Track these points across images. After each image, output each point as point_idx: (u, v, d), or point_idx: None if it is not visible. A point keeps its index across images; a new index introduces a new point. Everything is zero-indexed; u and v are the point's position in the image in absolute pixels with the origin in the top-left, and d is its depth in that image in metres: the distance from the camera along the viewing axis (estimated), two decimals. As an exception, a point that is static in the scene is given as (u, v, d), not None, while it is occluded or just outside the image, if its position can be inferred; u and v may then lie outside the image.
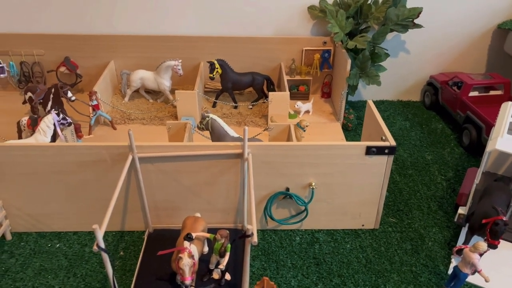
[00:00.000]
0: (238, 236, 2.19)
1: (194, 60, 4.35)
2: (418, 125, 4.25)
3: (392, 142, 2.70)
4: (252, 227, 2.04)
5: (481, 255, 2.51)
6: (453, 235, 2.99)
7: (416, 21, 4.05)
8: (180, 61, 4.04)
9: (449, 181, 3.49)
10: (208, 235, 2.44)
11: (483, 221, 2.47)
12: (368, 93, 4.69)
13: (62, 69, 4.22)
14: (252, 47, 4.30)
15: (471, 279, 2.59)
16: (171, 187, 2.79)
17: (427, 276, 2.69)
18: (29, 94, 3.73)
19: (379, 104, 4.62)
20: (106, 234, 2.94)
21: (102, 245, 1.97)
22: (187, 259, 2.16)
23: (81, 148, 2.62)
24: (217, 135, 3.15)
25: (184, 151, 2.64)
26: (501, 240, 2.83)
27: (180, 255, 2.18)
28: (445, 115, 4.37)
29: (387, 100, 4.72)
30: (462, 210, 2.87)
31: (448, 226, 3.06)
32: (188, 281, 2.16)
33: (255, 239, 2.00)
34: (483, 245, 2.33)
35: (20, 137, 3.46)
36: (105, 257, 2.02)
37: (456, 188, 3.40)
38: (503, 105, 3.09)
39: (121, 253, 2.80)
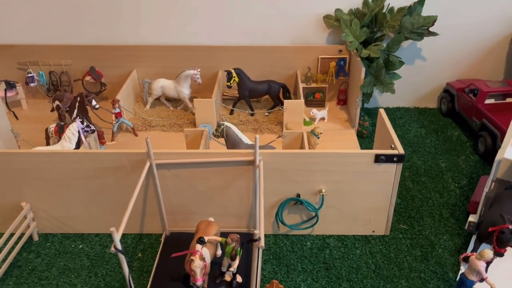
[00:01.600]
0: (246, 240, 2.30)
1: (213, 69, 4.50)
2: (433, 132, 4.26)
3: (400, 150, 2.76)
4: (260, 232, 2.14)
5: (488, 263, 2.54)
6: (463, 243, 3.01)
7: (431, 29, 4.08)
8: (198, 70, 4.19)
9: (462, 189, 3.51)
10: (220, 238, 2.55)
11: (490, 229, 2.50)
12: (384, 100, 4.73)
13: (88, 78, 4.44)
14: (269, 56, 4.42)
15: (478, 286, 2.61)
16: (186, 192, 2.92)
17: (435, 283, 2.73)
18: (57, 102, 3.94)
19: (395, 111, 4.65)
20: (126, 236, 3.09)
21: (119, 246, 2.10)
22: (199, 262, 2.28)
23: (102, 155, 2.78)
24: (232, 142, 3.27)
25: (199, 158, 2.77)
26: (510, 249, 2.85)
27: (192, 257, 2.30)
28: (462, 123, 4.37)
29: (404, 107, 4.74)
30: (472, 218, 2.90)
31: (459, 233, 3.09)
32: (199, 283, 2.28)
33: (262, 243, 2.10)
34: (488, 252, 2.36)
35: (48, 144, 3.66)
36: (122, 258, 2.15)
37: (469, 196, 3.42)
38: (516, 113, 3.10)
39: (139, 254, 2.95)
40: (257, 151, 2.71)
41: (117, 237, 2.08)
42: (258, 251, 2.83)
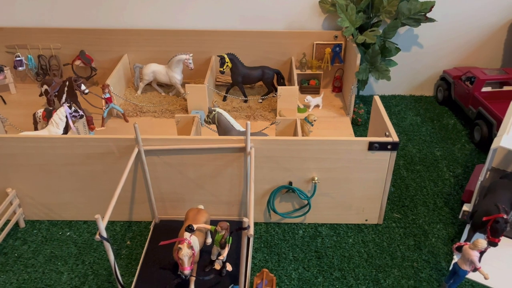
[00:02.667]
0: (235, 229, 2.25)
1: (206, 54, 4.41)
2: (429, 120, 4.21)
3: (395, 138, 2.70)
4: (249, 220, 2.09)
5: (481, 252, 2.50)
6: (457, 232, 2.98)
7: (428, 15, 4.00)
8: (191, 55, 4.10)
9: (457, 178, 3.46)
10: (209, 226, 2.50)
11: (484, 218, 2.46)
12: (380, 87, 4.66)
13: (78, 62, 4.33)
14: (263, 41, 4.33)
15: (471, 276, 2.58)
16: (176, 179, 2.86)
17: (428, 272, 2.70)
18: (45, 87, 3.86)
19: (390, 98, 4.59)
20: (114, 223, 3.03)
21: (104, 234, 2.05)
22: (186, 250, 2.23)
23: (90, 140, 2.71)
24: (223, 128, 3.20)
25: (189, 145, 2.70)
26: (504, 238, 2.82)
27: (179, 245, 2.25)
28: (458, 111, 4.32)
29: (400, 95, 4.68)
30: (466, 207, 2.86)
31: (453, 222, 3.05)
32: (187, 271, 2.23)
33: (251, 231, 2.05)
34: (482, 242, 2.32)
35: (36, 129, 3.58)
36: (107, 246, 2.10)
37: (464, 185, 3.38)
38: (513, 101, 3.05)
39: (128, 242, 2.90)
40: (248, 138, 2.64)
41: (102, 224, 2.03)
42: (249, 240, 2.78)
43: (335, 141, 2.70)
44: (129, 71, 4.49)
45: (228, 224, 2.41)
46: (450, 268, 2.65)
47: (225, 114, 3.21)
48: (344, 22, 3.90)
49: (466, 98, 4.05)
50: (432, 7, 3.89)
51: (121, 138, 2.69)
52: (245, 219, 2.05)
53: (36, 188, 2.92)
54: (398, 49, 4.06)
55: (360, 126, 4.10)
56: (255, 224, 3.04)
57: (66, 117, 3.25)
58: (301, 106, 4.19)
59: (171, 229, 2.86)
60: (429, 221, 3.07)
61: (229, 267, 2.58)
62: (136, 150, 2.63)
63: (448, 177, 3.47)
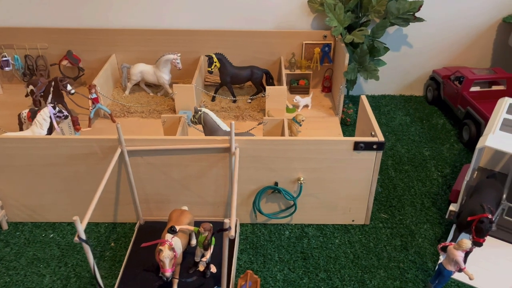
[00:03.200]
0: (216, 230, 2.22)
1: (194, 53, 4.38)
2: (418, 120, 4.19)
3: (380, 137, 2.68)
4: (231, 221, 2.06)
5: (467, 253, 2.49)
6: (444, 232, 2.96)
7: (417, 14, 3.99)
8: (179, 55, 4.07)
9: (445, 177, 3.45)
10: (192, 228, 2.47)
11: (468, 218, 2.44)
12: (370, 87, 4.65)
13: (65, 62, 4.29)
14: (252, 41, 4.30)
15: (457, 276, 2.57)
16: (160, 180, 2.83)
17: (414, 273, 2.68)
18: (31, 87, 3.81)
19: (380, 98, 4.57)
20: (99, 225, 3.00)
21: (83, 236, 2.01)
22: (167, 252, 2.20)
23: (72, 141, 2.68)
24: (210, 129, 3.17)
25: (172, 145, 2.68)
26: (491, 238, 2.81)
27: (160, 247, 2.22)
28: (447, 111, 4.31)
29: (390, 95, 4.66)
30: (453, 207, 2.84)
31: (440, 222, 3.04)
32: (168, 273, 2.20)
33: (232, 232, 2.02)
34: (467, 242, 2.31)
35: (21, 129, 3.54)
36: (87, 248, 2.06)
37: (452, 185, 3.36)
38: (499, 101, 3.04)
39: (112, 244, 2.86)
40: (232, 138, 2.62)
41: (80, 226, 2.00)
42: (234, 241, 2.76)
43: (321, 141, 2.68)
44: (117, 71, 4.46)
45: (211, 225, 2.38)
46: (436, 268, 2.64)
47: (211, 114, 3.18)
48: (332, 22, 3.88)
49: (455, 98, 4.04)
50: (421, 6, 3.88)
51: (104, 139, 2.66)
52: (226, 220, 2.02)
53: (19, 189, 2.89)
54: (386, 49, 4.04)
55: (349, 126, 4.08)
56: (241, 225, 3.01)
57: (50, 117, 3.21)
58: (290, 106, 4.17)
59: (155, 230, 2.81)
60: (416, 221, 3.05)
61: (213, 269, 2.56)
62: (118, 151, 2.60)
63: (436, 177, 3.46)
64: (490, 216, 2.36)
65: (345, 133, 3.93)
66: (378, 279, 2.64)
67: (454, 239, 2.65)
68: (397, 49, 4.42)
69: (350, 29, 4.10)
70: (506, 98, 3.01)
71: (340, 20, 3.89)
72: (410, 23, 3.98)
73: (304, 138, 2.70)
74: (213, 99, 4.24)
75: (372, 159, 2.75)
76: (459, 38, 4.36)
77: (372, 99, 4.56)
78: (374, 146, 2.68)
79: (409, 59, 4.48)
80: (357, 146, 2.67)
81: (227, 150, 2.72)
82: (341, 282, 2.63)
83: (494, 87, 3.96)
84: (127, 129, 3.82)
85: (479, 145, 2.61)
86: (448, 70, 4.31)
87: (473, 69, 4.04)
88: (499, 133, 2.64)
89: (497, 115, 2.83)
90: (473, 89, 3.92)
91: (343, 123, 4.09)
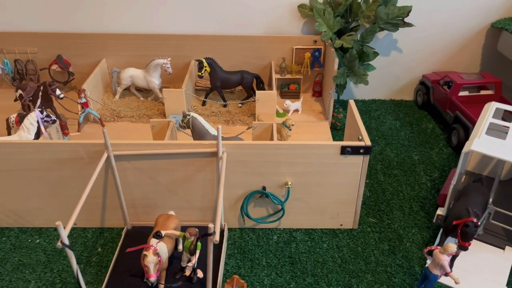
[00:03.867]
0: (201, 235, 2.21)
1: (185, 58, 4.38)
2: (408, 124, 4.21)
3: (367, 142, 2.69)
4: (215, 226, 2.05)
5: (454, 257, 2.50)
6: (432, 236, 2.96)
7: (407, 19, 4.01)
8: (169, 59, 4.07)
9: (434, 182, 3.46)
10: (178, 233, 2.46)
11: (454, 222, 2.45)
12: (361, 92, 4.67)
13: (55, 67, 4.28)
14: (243, 46, 4.31)
15: (443, 280, 2.57)
16: (148, 185, 2.82)
17: (401, 277, 2.68)
18: (20, 91, 3.79)
19: (370, 103, 4.59)
20: (86, 230, 2.98)
21: (66, 241, 2.00)
22: (152, 257, 2.19)
23: (58, 145, 2.66)
24: (198, 133, 3.16)
25: (159, 149, 2.67)
26: (478, 242, 2.82)
27: (145, 252, 2.21)
28: (437, 115, 4.33)
29: (380, 99, 4.68)
30: (440, 211, 2.85)
31: (428, 227, 3.04)
32: (152, 278, 2.19)
33: (216, 237, 2.02)
34: (452, 246, 2.31)
35: (9, 134, 3.52)
36: (70, 253, 2.05)
37: (440, 189, 3.37)
38: (486, 105, 3.06)
39: (99, 249, 2.85)
40: (219, 142, 2.61)
41: (63, 231, 1.98)
42: (222, 246, 2.75)
43: (307, 145, 2.68)
44: (107, 76, 4.45)
45: (197, 230, 2.37)
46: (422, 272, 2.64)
47: (200, 119, 3.18)
48: (322, 27, 3.89)
49: (444, 103, 4.06)
50: (409, 11, 3.90)
51: (90, 143, 2.64)
52: (210, 225, 2.02)
53: (4, 194, 2.86)
54: (376, 54, 4.06)
55: (339, 131, 4.09)
56: (229, 230, 3.00)
57: (38, 122, 3.19)
58: (280, 111, 4.17)
59: (143, 236, 2.80)
60: (404, 226, 3.05)
61: (200, 274, 2.54)
62: (105, 156, 2.59)
63: (425, 181, 3.47)
64: (475, 220, 2.37)
65: (335, 138, 3.94)
66: (366, 284, 2.64)
67: (441, 243, 2.66)
68: (387, 54, 4.45)
69: (340, 34, 4.12)
70: (493, 102, 3.03)
71: (330, 25, 3.91)
72: (399, 28, 4.00)
73: (291, 143, 2.70)
74: (204, 103, 4.24)
75: (359, 163, 2.75)
76: (448, 43, 4.39)
77: (362, 103, 4.57)
78: (361, 151, 2.68)
79: (399, 64, 4.50)
80: (344, 151, 2.68)
81: (215, 154, 2.71)
82: (328, 286, 2.62)
83: (483, 92, 3.99)
84: (117, 133, 3.81)
85: (465, 149, 2.62)
86: (437, 75, 4.33)
87: (462, 74, 4.07)
88: (485, 137, 2.65)
89: (483, 119, 2.84)
90: (461, 93, 3.94)
91: (333, 127, 4.10)
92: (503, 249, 2.77)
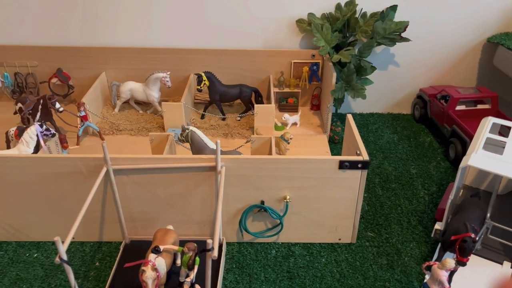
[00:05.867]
0: (199, 250, 2.21)
1: (184, 71, 4.41)
2: (406, 138, 4.23)
3: (365, 156, 2.70)
4: (214, 241, 2.06)
5: (452, 272, 2.50)
6: (430, 251, 2.96)
7: (403, 34, 4.06)
8: (168, 73, 4.10)
9: (432, 196, 3.47)
10: (176, 247, 2.46)
11: (452, 237, 2.45)
12: (359, 106, 4.70)
13: (54, 80, 4.31)
14: (241, 60, 4.35)
15: (442, 296, 2.57)
16: (146, 199, 2.83)
17: (400, 292, 2.68)
18: (19, 104, 3.81)
19: (368, 116, 4.62)
20: (84, 244, 2.97)
21: (64, 256, 2.00)
22: (150, 272, 2.18)
23: (57, 159, 2.67)
24: (197, 147, 3.18)
25: (158, 164, 2.68)
26: (476, 257, 2.82)
27: (143, 267, 2.20)
28: (434, 129, 4.35)
29: (378, 113, 4.71)
30: (438, 226, 2.85)
31: (426, 241, 3.04)
32: (151, 294, 2.18)
33: (215, 253, 2.02)
34: (450, 262, 2.31)
35: (8, 147, 3.53)
36: (68, 269, 2.05)
37: (438, 203, 3.38)
38: (483, 120, 3.08)
39: (97, 263, 2.84)
40: (218, 157, 2.62)
41: (61, 247, 1.98)
42: (220, 260, 2.75)
43: (306, 160, 2.69)
44: (107, 89, 4.47)
45: (195, 245, 2.37)
46: (421, 288, 2.64)
47: (199, 133, 3.19)
48: (320, 41, 3.94)
49: (441, 116, 4.09)
50: (406, 27, 3.95)
51: (89, 158, 2.65)
52: (209, 241, 2.02)
53: (3, 207, 2.86)
54: (373, 68, 4.10)
55: (337, 144, 4.10)
56: (228, 244, 3.00)
57: (37, 135, 3.20)
58: (279, 124, 4.20)
59: (141, 250, 2.79)
60: (403, 240, 3.05)
61: (198, 289, 2.54)
62: (104, 170, 2.60)
63: (422, 195, 3.48)
64: (473, 236, 2.37)
65: (333, 151, 3.96)
66: (364, 299, 2.64)
67: (439, 258, 2.66)
68: (384, 68, 4.49)
69: (337, 48, 4.16)
70: (490, 117, 3.05)
71: (328, 40, 3.95)
72: (396, 42, 4.05)
73: (289, 157, 2.71)
74: (203, 117, 4.26)
75: (358, 177, 2.76)
76: (445, 58, 4.44)
77: (360, 117, 4.60)
78: (359, 165, 2.70)
79: (396, 78, 4.54)
80: (342, 165, 2.69)
81: (213, 168, 2.72)
82: (327, 302, 2.61)
83: (479, 106, 4.02)
84: (116, 147, 3.82)
85: (462, 164, 2.64)
86: (434, 89, 4.37)
87: (459, 88, 4.11)
88: (482, 152, 2.67)
89: (480, 134, 2.87)
90: (458, 107, 3.97)
91: (331, 141, 4.12)
92: (501, 264, 2.77)
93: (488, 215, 2.88)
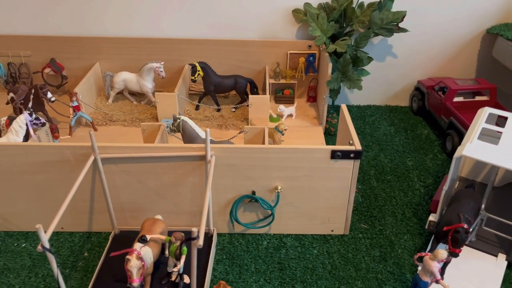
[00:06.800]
0: (184, 239, 2.17)
1: (179, 62, 4.36)
2: (403, 130, 4.18)
3: (358, 146, 2.65)
4: (200, 230, 2.01)
5: (446, 263, 2.45)
6: (424, 243, 2.92)
7: (401, 25, 3.99)
8: (162, 63, 4.05)
9: (427, 188, 3.42)
10: (163, 237, 2.42)
11: (445, 228, 2.41)
12: (356, 97, 4.64)
13: (47, 70, 4.26)
14: (237, 50, 4.29)
15: (435, 287, 2.52)
16: (136, 188, 2.78)
17: (392, 284, 2.63)
18: (11, 94, 3.77)
19: (365, 108, 4.56)
20: (73, 234, 2.94)
21: (47, 245, 1.96)
22: (135, 261, 2.15)
23: (45, 148, 2.63)
24: (188, 137, 3.13)
25: (147, 152, 2.63)
26: (470, 249, 2.77)
27: (128, 257, 2.17)
28: (432, 121, 4.29)
29: (375, 105, 4.65)
30: (432, 217, 2.81)
31: (421, 233, 3.00)
32: (135, 283, 2.15)
33: (200, 242, 1.98)
34: (442, 252, 2.26)
35: (-1, 137, 3.49)
36: (51, 257, 2.01)
37: (434, 195, 3.32)
38: (479, 110, 3.03)
39: (86, 254, 2.80)
40: (208, 146, 2.58)
41: (44, 235, 1.95)
42: (210, 251, 2.71)
43: (297, 149, 2.65)
44: (100, 80, 4.43)
45: (182, 234, 2.33)
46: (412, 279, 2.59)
47: (190, 122, 3.15)
48: (315, 31, 3.88)
49: (438, 108, 4.03)
50: (404, 17, 3.88)
51: (77, 146, 2.61)
52: (193, 229, 1.98)
53: (-9, 197, 2.83)
54: (370, 59, 4.04)
55: (333, 136, 4.05)
56: (219, 235, 2.96)
57: (27, 124, 3.16)
58: (274, 116, 4.14)
59: (130, 240, 2.74)
60: (397, 232, 3.01)
61: (186, 279, 2.50)
62: (92, 158, 2.56)
63: (418, 187, 3.42)
64: (466, 226, 2.32)
65: (328, 143, 3.91)
66: (355, 291, 2.59)
67: (432, 249, 2.60)
68: (382, 60, 4.43)
69: (334, 39, 4.10)
70: (486, 108, 3.00)
71: (323, 29, 3.89)
72: (394, 33, 3.98)
73: (280, 146, 2.67)
74: (197, 108, 4.21)
75: (350, 168, 2.71)
76: (443, 49, 4.37)
77: (357, 109, 4.54)
78: (352, 155, 2.65)
79: (394, 70, 4.48)
80: (334, 155, 2.64)
81: (203, 158, 2.68)
82: (318, 293, 2.57)
83: (478, 98, 3.96)
84: (109, 137, 3.78)
85: (456, 154, 2.59)
86: (432, 81, 4.31)
87: (457, 80, 4.04)
88: (477, 142, 2.62)
89: (476, 124, 2.81)
90: (456, 99, 3.91)
91: (327, 132, 4.07)
92: (496, 256, 2.72)
93: (483, 206, 2.82)
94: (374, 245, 2.90)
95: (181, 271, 2.44)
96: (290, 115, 4.20)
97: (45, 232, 1.95)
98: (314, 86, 4.44)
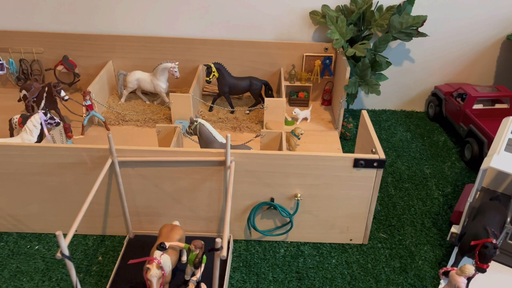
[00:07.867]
0: (208, 249, 2.11)
1: (193, 62, 4.30)
2: (419, 136, 4.11)
3: (381, 155, 2.58)
4: (223, 240, 1.95)
5: (469, 278, 2.39)
6: (445, 255, 2.85)
7: (420, 29, 3.92)
8: (177, 63, 3.99)
9: (446, 197, 3.35)
10: (182, 245, 2.36)
11: (472, 243, 2.34)
12: (371, 102, 4.57)
13: (60, 67, 4.21)
14: (252, 51, 4.23)
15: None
16: (152, 192, 2.73)
17: (413, 297, 2.57)
18: (24, 92, 3.72)
19: (381, 113, 4.49)
20: (87, 237, 2.89)
21: (66, 252, 1.90)
22: (155, 270, 2.09)
23: (61, 149, 2.58)
24: (205, 140, 3.07)
25: (165, 157, 2.58)
26: (494, 263, 2.70)
27: (148, 265, 2.11)
28: (449, 128, 4.22)
29: (390, 110, 4.58)
30: (455, 229, 2.74)
31: (441, 244, 2.93)
32: (155, 293, 2.09)
33: (224, 253, 1.92)
34: (470, 268, 2.20)
35: (11, 135, 3.44)
36: (69, 264, 1.95)
37: (453, 205, 3.26)
38: (504, 120, 2.95)
39: (100, 258, 2.75)
40: (228, 151, 2.52)
41: (63, 242, 1.89)
42: (227, 259, 2.65)
43: (319, 157, 2.58)
44: (113, 78, 4.37)
45: (202, 242, 2.27)
46: (437, 293, 2.53)
47: (208, 126, 3.08)
48: (334, 34, 3.80)
49: (457, 115, 3.96)
50: (424, 21, 3.81)
51: (94, 148, 2.55)
52: (217, 240, 1.91)
53: (4, 198, 2.78)
54: (389, 63, 3.97)
55: (349, 141, 3.99)
56: (235, 241, 2.90)
57: (41, 124, 3.11)
58: (289, 119, 4.08)
59: (145, 245, 2.72)
60: (416, 242, 2.94)
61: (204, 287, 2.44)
62: (109, 161, 2.50)
63: (437, 196, 3.36)
64: (494, 241, 2.26)
65: (344, 148, 3.84)
66: (376, 303, 2.53)
67: (456, 263, 2.54)
68: (399, 64, 4.35)
69: (352, 42, 4.03)
70: (511, 117, 2.92)
71: (342, 33, 3.82)
72: (413, 38, 3.91)
73: (301, 153, 2.60)
74: (211, 109, 4.15)
75: (372, 177, 2.65)
76: (462, 54, 4.30)
77: (372, 113, 4.47)
78: (375, 164, 2.58)
79: (411, 74, 4.41)
80: (357, 163, 2.58)
81: (222, 163, 2.62)
82: (337, 305, 2.51)
83: (498, 105, 3.88)
84: (121, 137, 3.73)
85: (483, 165, 2.52)
86: (450, 87, 4.23)
87: (476, 86, 3.97)
88: (504, 153, 2.55)
89: (501, 135, 2.74)
90: (476, 106, 3.84)
91: (343, 137, 4.00)
92: (520, 270, 2.65)
93: (508, 219, 2.75)
94: (394, 256, 2.84)
95: (199, 280, 2.38)
96: (305, 119, 4.14)
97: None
98: (329, 89, 4.38)
